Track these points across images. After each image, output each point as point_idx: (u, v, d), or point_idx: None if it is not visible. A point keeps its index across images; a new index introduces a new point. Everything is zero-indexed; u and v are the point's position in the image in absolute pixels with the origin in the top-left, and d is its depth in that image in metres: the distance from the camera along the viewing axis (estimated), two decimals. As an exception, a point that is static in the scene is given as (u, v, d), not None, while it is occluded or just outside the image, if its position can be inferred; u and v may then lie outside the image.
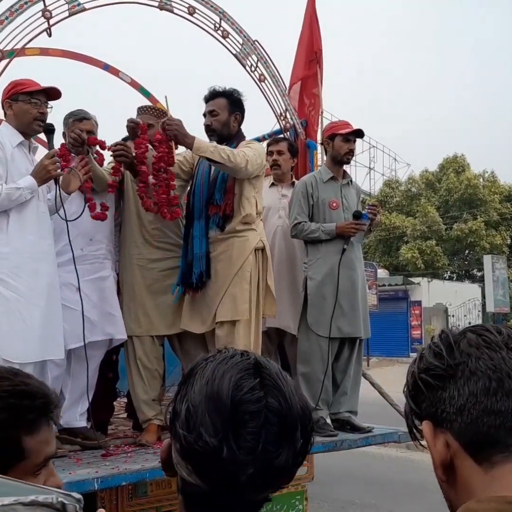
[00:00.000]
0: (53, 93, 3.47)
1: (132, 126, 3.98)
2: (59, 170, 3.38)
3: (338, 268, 4.25)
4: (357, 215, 4.33)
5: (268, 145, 4.91)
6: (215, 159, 3.76)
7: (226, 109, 4.05)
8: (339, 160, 4.51)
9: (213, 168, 4.01)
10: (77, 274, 3.49)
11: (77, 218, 3.51)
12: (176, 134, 3.77)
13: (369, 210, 4.41)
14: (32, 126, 3.41)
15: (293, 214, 4.44)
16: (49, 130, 3.46)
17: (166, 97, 3.96)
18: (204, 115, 4.11)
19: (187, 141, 3.77)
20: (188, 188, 4.21)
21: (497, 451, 0.86)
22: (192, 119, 4.17)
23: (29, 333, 3.20)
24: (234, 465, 0.89)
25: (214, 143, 3.87)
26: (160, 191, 3.86)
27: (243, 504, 0.94)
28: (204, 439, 0.89)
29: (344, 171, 4.63)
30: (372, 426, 4.35)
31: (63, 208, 3.42)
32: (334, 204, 4.44)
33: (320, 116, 5.16)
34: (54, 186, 3.44)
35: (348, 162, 4.59)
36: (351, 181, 4.65)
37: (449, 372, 0.91)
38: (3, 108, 3.42)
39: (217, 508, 0.93)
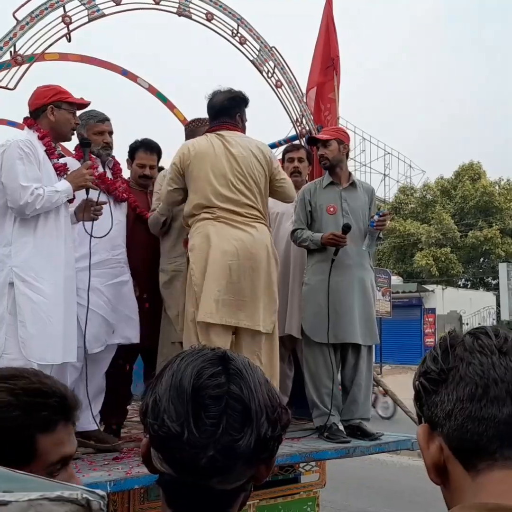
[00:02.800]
0: (82, 105, 3.61)
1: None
2: (91, 183, 3.50)
3: (329, 276, 4.21)
4: (345, 229, 4.19)
5: (287, 151, 4.91)
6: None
7: None
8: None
9: None
10: (89, 278, 3.53)
11: (107, 234, 3.63)
12: None
13: (378, 221, 4.30)
14: (68, 135, 3.55)
15: (294, 221, 4.49)
16: (85, 144, 3.60)
17: None
18: None
19: None
20: None
21: (481, 458, 0.85)
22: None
23: (53, 336, 3.24)
24: (194, 448, 0.92)
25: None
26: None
27: (214, 493, 0.96)
28: (166, 425, 0.94)
29: (349, 174, 4.54)
30: (381, 432, 4.34)
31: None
32: (332, 209, 4.39)
33: (336, 122, 5.16)
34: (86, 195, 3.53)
35: (325, 168, 4.48)
36: (354, 183, 4.50)
37: (442, 376, 0.91)
38: (36, 111, 3.45)
39: (189, 497, 0.96)
